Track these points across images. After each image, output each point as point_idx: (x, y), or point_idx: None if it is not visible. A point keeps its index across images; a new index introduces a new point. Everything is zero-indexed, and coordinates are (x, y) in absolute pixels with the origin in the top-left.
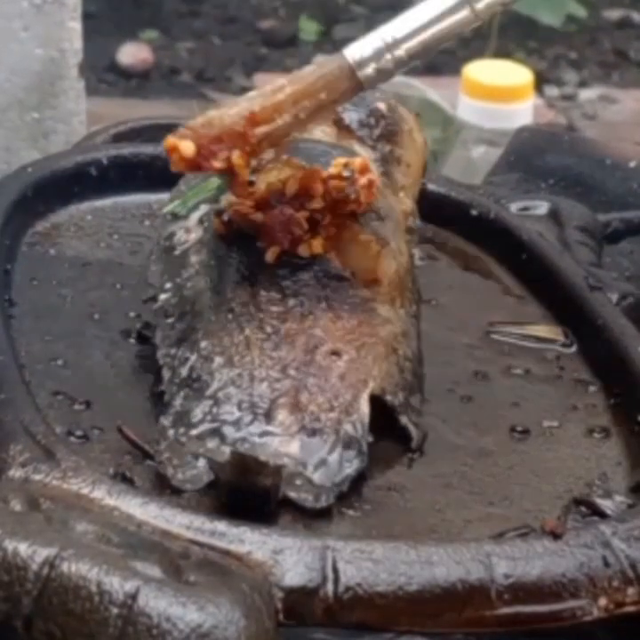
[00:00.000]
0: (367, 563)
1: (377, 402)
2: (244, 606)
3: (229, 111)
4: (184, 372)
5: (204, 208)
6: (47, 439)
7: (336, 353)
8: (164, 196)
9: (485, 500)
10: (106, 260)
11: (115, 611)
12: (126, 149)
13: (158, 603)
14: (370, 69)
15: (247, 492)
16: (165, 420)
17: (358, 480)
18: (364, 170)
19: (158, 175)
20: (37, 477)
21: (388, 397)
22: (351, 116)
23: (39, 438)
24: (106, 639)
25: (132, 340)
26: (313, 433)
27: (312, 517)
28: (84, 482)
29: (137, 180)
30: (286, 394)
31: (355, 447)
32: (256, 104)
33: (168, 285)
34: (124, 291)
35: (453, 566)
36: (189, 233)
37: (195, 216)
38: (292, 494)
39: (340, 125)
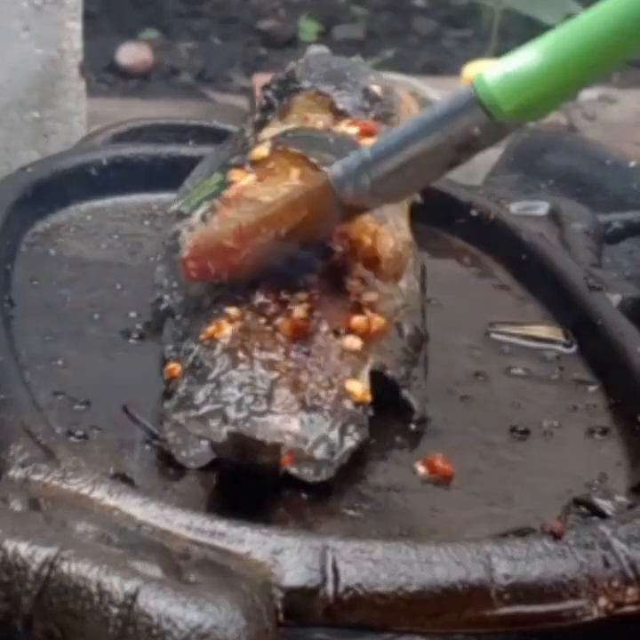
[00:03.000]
0: (367, 563)
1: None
2: (244, 606)
3: (223, 226)
4: (188, 362)
5: (206, 205)
6: (47, 439)
7: (335, 332)
8: (164, 196)
9: (485, 500)
10: (106, 260)
11: (115, 611)
12: (126, 149)
13: (158, 603)
14: (349, 188)
15: (248, 470)
16: (169, 405)
17: (358, 479)
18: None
19: (158, 175)
20: (37, 477)
21: (389, 372)
22: (345, 99)
23: (39, 438)
24: (106, 639)
25: (133, 340)
26: (313, 410)
27: (312, 517)
28: (84, 482)
29: (137, 180)
30: (286, 374)
31: (355, 422)
32: (246, 219)
33: (174, 285)
34: (124, 291)
35: (453, 566)
36: (192, 230)
37: (197, 213)
38: (293, 470)
39: (335, 110)
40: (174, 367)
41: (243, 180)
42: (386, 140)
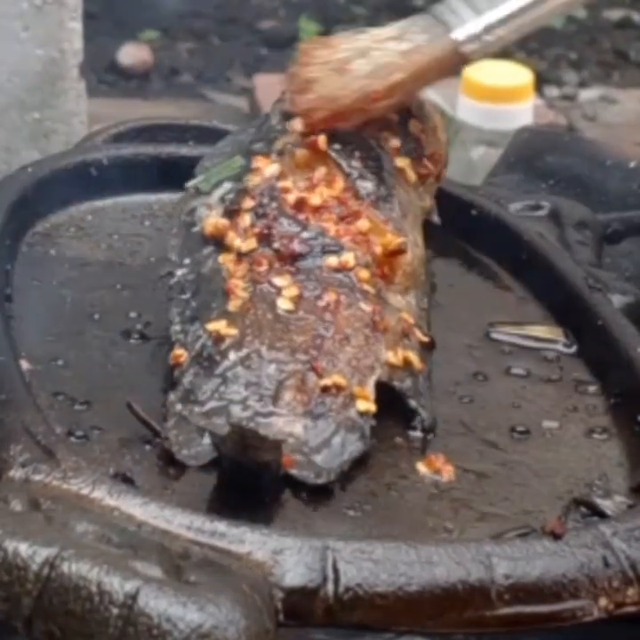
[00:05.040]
0: (367, 563)
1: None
2: (245, 606)
3: (341, 85)
4: (195, 350)
5: (226, 186)
6: (47, 439)
7: (345, 339)
8: (165, 196)
9: (485, 500)
10: (106, 260)
11: (115, 611)
12: (126, 149)
13: (158, 603)
14: (474, 46)
15: (248, 467)
16: (173, 396)
17: (358, 479)
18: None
19: (158, 175)
20: (38, 477)
21: (396, 383)
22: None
23: (39, 438)
24: (106, 639)
25: (133, 340)
26: (317, 415)
27: (312, 517)
28: (84, 482)
29: (137, 180)
30: (293, 376)
31: (358, 431)
32: (374, 83)
33: (186, 261)
34: (124, 291)
35: (453, 567)
36: (211, 210)
37: (217, 193)
38: (294, 471)
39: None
40: (180, 354)
41: (266, 167)
42: (503, 2)
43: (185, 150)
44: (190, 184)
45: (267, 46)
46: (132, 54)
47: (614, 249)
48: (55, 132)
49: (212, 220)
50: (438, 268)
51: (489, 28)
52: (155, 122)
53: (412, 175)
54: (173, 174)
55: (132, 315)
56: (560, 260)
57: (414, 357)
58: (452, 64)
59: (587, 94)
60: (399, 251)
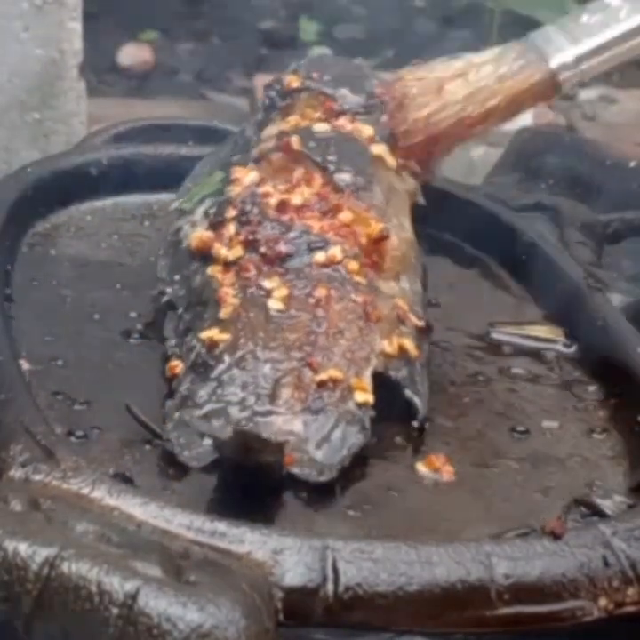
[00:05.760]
0: (367, 563)
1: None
2: (245, 606)
3: (438, 108)
4: (190, 359)
5: (208, 202)
6: (47, 439)
7: (339, 332)
8: (164, 196)
9: (485, 500)
10: (106, 260)
11: (115, 611)
12: (126, 149)
13: (158, 603)
14: (568, 74)
15: (251, 469)
16: (171, 403)
17: (359, 479)
18: None
19: (158, 175)
20: (38, 477)
21: (392, 373)
22: (351, 101)
23: (39, 438)
24: (106, 639)
25: (133, 340)
26: (316, 410)
27: (312, 517)
28: (84, 482)
29: (137, 180)
30: (289, 374)
31: (357, 424)
32: (469, 108)
33: (176, 278)
34: (124, 291)
35: (453, 566)
36: (195, 226)
37: (200, 210)
38: (296, 470)
39: (337, 112)
40: (176, 365)
41: (245, 176)
42: (599, 33)
43: (185, 150)
44: (174, 207)
45: (267, 46)
46: (131, 54)
47: (614, 249)
48: (55, 133)
49: (197, 233)
50: (438, 268)
51: (583, 58)
52: (155, 122)
53: (391, 160)
54: (173, 174)
55: (132, 315)
56: (560, 260)
57: (410, 345)
58: (546, 92)
59: (586, 94)
60: (382, 236)
